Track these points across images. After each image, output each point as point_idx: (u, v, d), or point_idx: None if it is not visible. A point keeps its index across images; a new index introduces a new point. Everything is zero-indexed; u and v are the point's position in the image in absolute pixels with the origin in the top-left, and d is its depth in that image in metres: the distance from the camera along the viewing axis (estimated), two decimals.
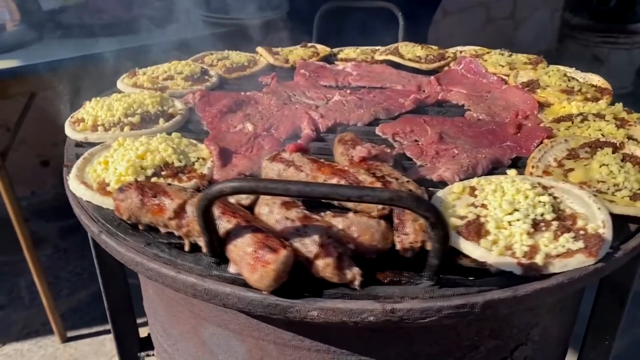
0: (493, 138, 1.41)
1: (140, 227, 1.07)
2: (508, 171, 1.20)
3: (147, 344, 1.63)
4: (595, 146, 1.27)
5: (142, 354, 1.64)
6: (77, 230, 1.07)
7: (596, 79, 1.76)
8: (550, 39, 6.05)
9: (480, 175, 1.22)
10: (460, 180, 1.20)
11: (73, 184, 1.18)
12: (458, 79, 1.84)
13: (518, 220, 1.01)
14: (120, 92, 1.66)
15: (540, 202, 1.04)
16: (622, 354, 2.65)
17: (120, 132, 1.38)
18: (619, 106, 1.51)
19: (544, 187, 1.11)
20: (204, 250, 0.98)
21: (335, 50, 2.23)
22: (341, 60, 2.12)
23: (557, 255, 0.95)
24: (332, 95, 1.67)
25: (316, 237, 0.92)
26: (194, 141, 1.35)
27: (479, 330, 1.08)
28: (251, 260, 0.89)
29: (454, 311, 0.90)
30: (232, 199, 1.07)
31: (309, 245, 0.92)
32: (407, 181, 1.09)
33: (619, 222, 1.06)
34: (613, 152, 1.23)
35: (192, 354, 1.27)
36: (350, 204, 1.07)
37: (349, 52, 2.19)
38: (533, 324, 1.16)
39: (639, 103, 1.62)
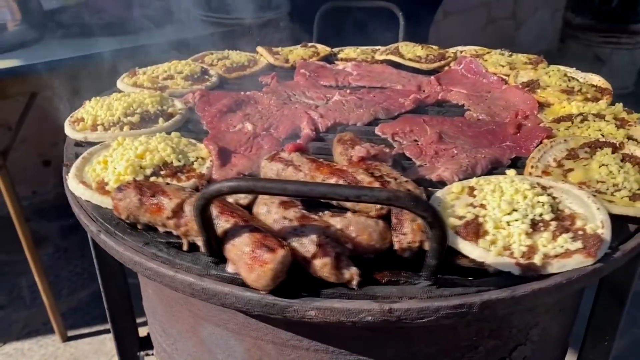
0: (493, 138, 1.40)
1: (139, 227, 1.07)
2: (507, 171, 1.20)
3: (146, 343, 1.64)
4: (594, 146, 1.26)
5: (142, 353, 1.64)
6: (78, 230, 1.07)
7: (596, 79, 1.76)
8: (552, 39, 6.04)
9: (480, 175, 1.22)
10: (460, 180, 1.20)
11: (72, 183, 1.18)
12: (458, 78, 1.84)
13: (517, 220, 1.01)
14: (120, 91, 1.66)
15: (539, 202, 1.04)
16: (622, 355, 2.65)
17: (119, 131, 1.39)
18: (619, 106, 1.51)
19: (543, 187, 1.11)
20: (202, 249, 0.98)
21: (336, 50, 2.23)
22: (341, 60, 2.12)
23: (556, 256, 0.95)
24: (332, 95, 1.67)
25: (314, 237, 0.92)
26: (194, 141, 1.36)
27: (478, 330, 1.08)
28: (249, 260, 0.89)
29: (451, 311, 0.90)
30: (230, 199, 1.07)
31: (306, 245, 0.92)
32: (406, 181, 1.09)
33: (618, 222, 1.06)
34: (613, 152, 1.23)
35: (191, 353, 1.27)
36: (348, 204, 1.07)
37: (349, 51, 2.19)
38: (532, 324, 1.15)
39: None
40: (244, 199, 1.08)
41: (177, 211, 1.00)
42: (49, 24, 2.59)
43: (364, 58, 2.10)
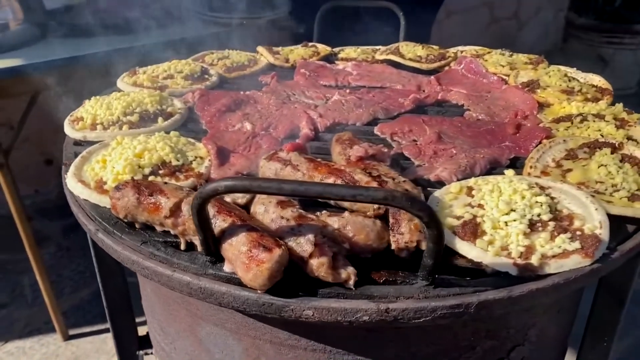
0: (492, 138, 1.40)
1: (137, 226, 1.07)
2: (506, 171, 1.20)
3: (145, 342, 1.64)
4: (594, 147, 1.26)
5: (141, 352, 1.65)
6: (80, 229, 1.08)
7: (597, 79, 1.76)
8: (555, 39, 6.03)
9: (478, 175, 1.22)
10: (458, 180, 1.20)
11: (71, 183, 1.19)
12: (458, 78, 1.84)
13: (514, 220, 1.00)
14: (120, 91, 1.66)
15: (537, 202, 1.04)
16: (623, 356, 2.64)
17: (118, 130, 1.39)
18: (619, 106, 1.50)
19: (542, 188, 1.11)
20: (200, 249, 0.99)
21: (336, 49, 2.23)
22: (342, 59, 2.12)
23: (553, 256, 0.95)
24: (332, 95, 1.67)
25: (311, 237, 0.92)
26: (192, 140, 1.36)
27: (476, 330, 1.08)
28: (245, 259, 0.89)
29: (448, 311, 0.90)
30: (228, 198, 1.07)
31: (303, 245, 0.92)
32: (404, 181, 1.09)
33: (617, 223, 1.06)
34: (612, 153, 1.22)
35: (189, 352, 1.28)
36: (346, 204, 1.07)
37: (349, 51, 2.19)
38: (530, 324, 1.15)
39: None
40: (241, 198, 1.08)
41: (175, 210, 1.00)
42: (51, 24, 2.60)
43: (364, 58, 2.10)
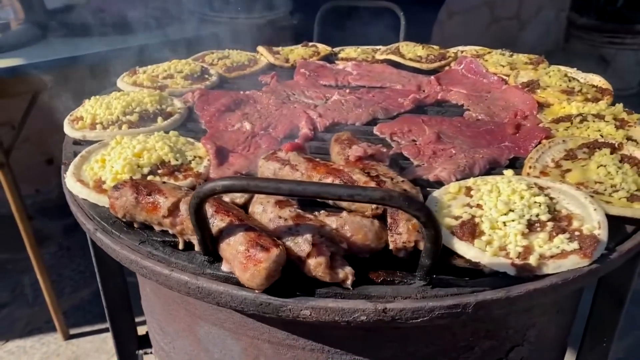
0: (491, 138, 1.40)
1: (135, 225, 1.07)
2: (505, 171, 1.19)
3: (145, 342, 1.64)
4: (593, 147, 1.26)
5: (140, 352, 1.65)
6: (80, 229, 1.08)
7: (597, 80, 1.75)
8: (556, 39, 6.02)
9: (477, 176, 1.22)
10: (457, 180, 1.19)
11: (69, 182, 1.19)
12: (458, 79, 1.84)
13: (513, 220, 1.00)
14: (120, 90, 1.66)
15: (535, 202, 1.03)
16: (623, 357, 2.63)
17: (118, 130, 1.39)
18: (619, 107, 1.50)
19: (541, 188, 1.10)
20: (198, 248, 0.99)
21: (336, 49, 2.22)
22: (342, 59, 2.12)
23: (552, 256, 0.95)
24: (331, 95, 1.67)
25: (308, 236, 0.92)
26: (192, 140, 1.36)
27: (474, 330, 1.08)
28: (243, 259, 0.89)
29: (446, 311, 0.90)
30: (226, 198, 1.07)
31: (301, 244, 0.92)
32: (402, 181, 1.09)
33: (616, 223, 1.06)
34: (611, 153, 1.22)
35: (188, 352, 1.28)
36: (344, 204, 1.07)
37: (349, 51, 2.19)
38: (529, 325, 1.15)
39: None
40: (240, 198, 1.08)
41: (173, 210, 1.01)
42: (52, 23, 2.60)
43: (364, 58, 2.10)
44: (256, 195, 1.06)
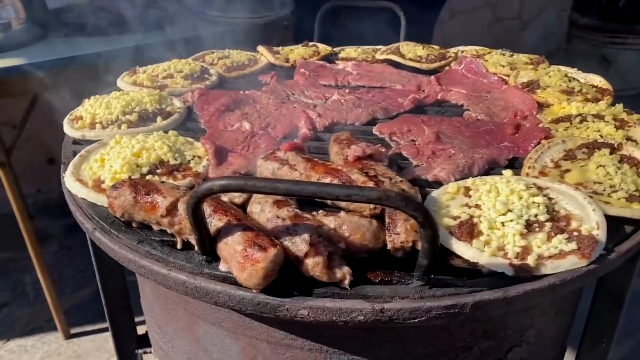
0: (491, 138, 1.40)
1: (134, 225, 1.07)
2: (503, 171, 1.19)
3: (144, 341, 1.64)
4: (592, 147, 1.26)
5: (140, 351, 1.65)
6: (81, 228, 1.09)
7: (597, 80, 1.75)
8: (558, 39, 6.01)
9: (476, 176, 1.22)
10: (456, 180, 1.19)
11: (68, 181, 1.19)
12: (458, 79, 1.84)
13: (511, 220, 1.00)
14: (120, 90, 1.66)
15: (534, 202, 1.03)
16: (625, 358, 2.63)
17: (117, 129, 1.39)
18: (619, 107, 1.50)
19: (539, 188, 1.10)
20: (196, 248, 0.99)
21: (337, 49, 2.22)
22: (342, 59, 2.11)
23: (550, 257, 0.95)
24: (331, 95, 1.67)
25: (306, 236, 0.92)
26: (191, 139, 1.36)
27: (472, 331, 1.08)
28: (241, 259, 0.89)
29: (443, 311, 0.90)
30: (225, 198, 1.08)
31: (299, 244, 0.92)
32: (401, 181, 1.09)
33: (615, 223, 1.06)
34: (611, 153, 1.22)
35: (187, 351, 1.28)
36: (342, 203, 1.07)
37: (349, 51, 2.19)
38: (527, 325, 1.15)
39: None
40: (238, 197, 1.08)
41: (171, 209, 1.01)
42: (53, 23, 2.61)
43: (364, 57, 2.09)
44: (254, 195, 1.06)
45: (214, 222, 0.95)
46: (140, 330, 1.70)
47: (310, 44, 2.23)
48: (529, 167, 1.22)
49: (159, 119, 1.45)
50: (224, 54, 2.03)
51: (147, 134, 1.32)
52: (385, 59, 2.04)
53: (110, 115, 1.42)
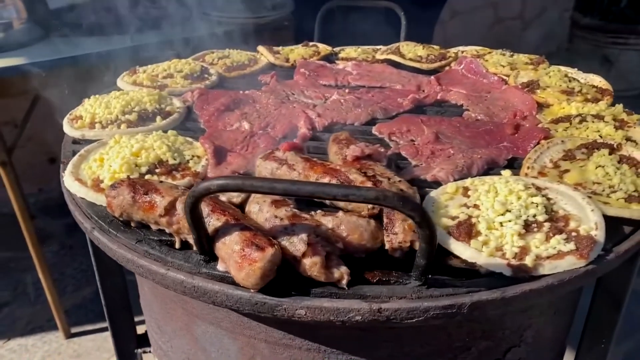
0: (490, 138, 1.40)
1: (132, 224, 1.08)
2: (502, 172, 1.19)
3: (144, 340, 1.64)
4: (592, 147, 1.26)
5: (139, 350, 1.65)
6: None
7: (597, 80, 1.75)
8: (560, 40, 6.00)
9: (475, 176, 1.22)
10: (455, 180, 1.19)
11: (68, 181, 1.19)
12: (458, 79, 1.83)
13: (510, 221, 1.00)
14: (120, 90, 1.66)
15: (532, 203, 1.03)
16: (625, 359, 2.62)
17: (117, 129, 1.39)
18: (619, 107, 1.50)
19: (538, 188, 1.10)
20: (194, 247, 0.99)
21: (337, 49, 2.22)
22: (342, 59, 2.11)
23: (548, 257, 0.95)
24: (331, 95, 1.67)
25: (304, 236, 0.92)
26: (190, 139, 1.36)
27: (470, 331, 1.07)
28: (238, 258, 0.89)
29: (441, 312, 0.90)
30: (223, 197, 1.08)
31: (296, 244, 0.92)
32: (399, 181, 1.09)
33: (614, 224, 1.06)
34: (610, 154, 1.22)
35: (186, 351, 1.28)
36: (341, 203, 1.07)
37: (350, 51, 2.19)
38: (526, 325, 1.15)
39: None
40: (236, 197, 1.08)
41: (170, 209, 1.01)
42: (54, 23, 2.61)
43: (364, 57, 2.09)
44: (253, 195, 1.06)
45: (212, 222, 0.95)
46: (140, 329, 1.70)
47: (311, 44, 2.23)
48: (528, 168, 1.22)
49: (158, 118, 1.45)
50: (224, 53, 2.03)
51: (147, 133, 1.32)
52: (386, 59, 2.04)
53: (109, 114, 1.42)
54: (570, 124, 1.42)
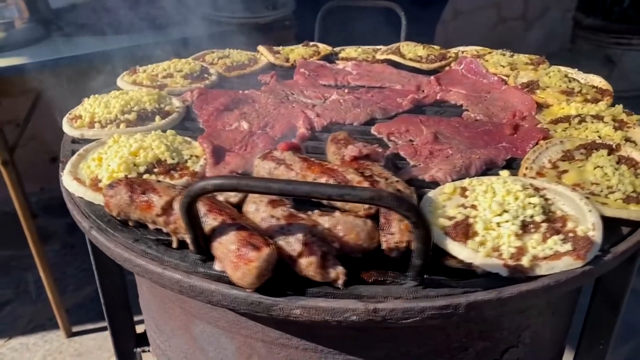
0: (489, 139, 1.40)
1: (130, 224, 1.08)
2: (501, 172, 1.19)
3: (143, 340, 1.65)
4: (590, 148, 1.25)
5: (138, 350, 1.65)
6: None
7: (597, 80, 1.74)
8: (563, 40, 5.99)
9: (474, 176, 1.21)
10: (453, 180, 1.19)
11: (66, 180, 1.20)
12: (458, 79, 1.83)
13: (507, 221, 1.00)
14: (119, 89, 1.67)
15: (530, 203, 1.03)
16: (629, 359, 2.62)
17: (116, 129, 1.40)
18: (618, 108, 1.49)
19: (536, 189, 1.10)
20: (191, 247, 0.99)
21: (337, 49, 2.22)
22: (342, 59, 2.11)
23: (545, 258, 0.94)
24: (330, 95, 1.67)
25: (300, 236, 0.92)
26: (189, 139, 1.36)
27: (468, 331, 1.07)
28: (234, 258, 0.89)
29: (437, 312, 0.89)
30: (221, 197, 1.08)
31: (292, 244, 0.92)
32: (397, 181, 1.09)
33: (612, 224, 1.05)
34: (609, 154, 1.21)
35: (184, 350, 1.28)
36: (338, 203, 1.07)
37: (350, 51, 2.19)
38: (524, 326, 1.15)
39: None
40: (234, 197, 1.08)
41: (167, 208, 1.01)
42: (56, 22, 2.62)
43: (364, 57, 2.09)
44: (250, 195, 1.06)
45: (209, 222, 0.96)
46: (139, 329, 1.70)
47: (311, 43, 2.23)
48: (527, 168, 1.22)
49: (157, 118, 1.46)
50: (224, 53, 2.03)
51: (145, 133, 1.32)
52: (386, 59, 2.04)
53: (109, 114, 1.42)
54: (570, 124, 1.41)
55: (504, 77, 1.83)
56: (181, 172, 1.21)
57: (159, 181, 1.09)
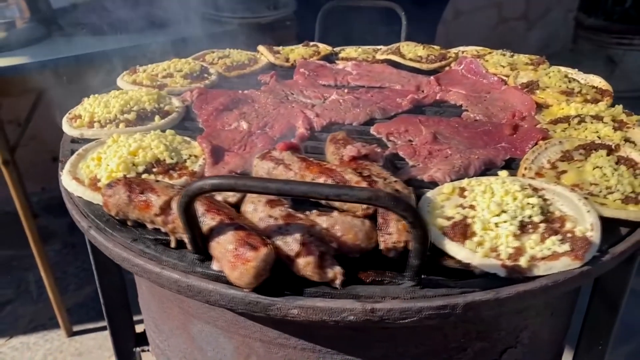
0: (488, 139, 1.39)
1: (129, 223, 1.08)
2: (499, 172, 1.19)
3: (142, 339, 1.65)
4: (590, 148, 1.25)
5: (138, 349, 1.66)
6: None
7: (597, 81, 1.74)
8: (564, 40, 5.98)
9: (472, 176, 1.21)
10: (452, 180, 1.19)
11: (65, 179, 1.20)
12: (458, 79, 1.83)
13: (505, 221, 1.00)
14: (119, 89, 1.67)
15: (528, 204, 1.03)
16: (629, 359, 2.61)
17: (115, 128, 1.40)
18: (618, 108, 1.49)
19: (535, 189, 1.10)
20: (189, 247, 0.99)
21: (337, 49, 2.22)
22: (342, 59, 2.11)
23: (543, 258, 0.94)
24: (330, 95, 1.67)
25: (298, 236, 0.92)
26: (188, 138, 1.36)
27: (466, 332, 1.07)
28: (232, 258, 0.89)
29: (434, 312, 0.89)
30: (219, 197, 1.08)
31: (290, 244, 0.92)
32: (395, 181, 1.09)
33: (610, 225, 1.05)
34: (608, 155, 1.21)
35: (183, 350, 1.28)
36: (336, 203, 1.07)
37: (350, 51, 2.19)
38: (522, 327, 1.14)
39: None
40: (232, 196, 1.08)
41: (165, 208, 1.01)
42: (57, 22, 2.62)
43: (365, 57, 2.09)
44: (248, 194, 1.06)
45: (207, 221, 0.96)
46: (139, 328, 1.70)
47: (311, 43, 2.23)
48: (526, 168, 1.22)
49: (157, 118, 1.46)
50: (224, 53, 2.04)
51: (145, 133, 1.33)
52: (386, 59, 2.04)
53: (108, 114, 1.43)
54: (569, 124, 1.41)
55: (504, 77, 1.83)
56: (180, 171, 1.22)
57: (157, 181, 1.09)
